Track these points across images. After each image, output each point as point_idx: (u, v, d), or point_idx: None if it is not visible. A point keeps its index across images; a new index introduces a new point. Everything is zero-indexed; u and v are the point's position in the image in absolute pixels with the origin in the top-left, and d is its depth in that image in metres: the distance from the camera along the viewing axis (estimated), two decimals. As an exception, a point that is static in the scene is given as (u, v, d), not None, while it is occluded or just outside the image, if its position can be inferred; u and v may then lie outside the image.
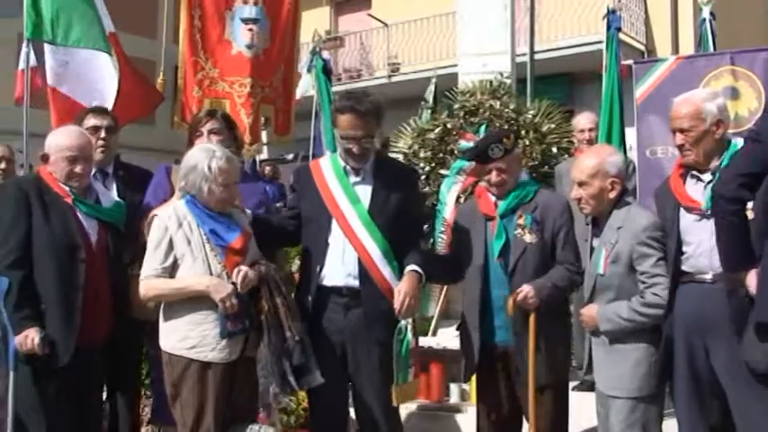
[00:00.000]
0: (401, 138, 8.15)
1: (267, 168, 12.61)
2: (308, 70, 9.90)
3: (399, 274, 4.08)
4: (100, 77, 6.20)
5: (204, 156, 3.93)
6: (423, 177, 7.74)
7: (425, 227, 7.07)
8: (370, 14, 21.06)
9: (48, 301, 3.97)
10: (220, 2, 6.48)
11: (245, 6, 6.43)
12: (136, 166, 5.13)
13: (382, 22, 20.45)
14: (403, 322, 3.96)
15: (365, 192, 4.16)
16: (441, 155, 7.59)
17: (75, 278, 4.00)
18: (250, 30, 6.38)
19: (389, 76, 19.69)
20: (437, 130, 7.73)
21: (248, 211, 4.24)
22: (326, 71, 9.66)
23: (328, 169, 4.23)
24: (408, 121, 8.59)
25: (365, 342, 4.05)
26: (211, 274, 3.84)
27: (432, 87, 10.54)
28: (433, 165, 7.55)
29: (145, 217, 4.12)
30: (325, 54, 10.01)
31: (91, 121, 4.78)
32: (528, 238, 4.28)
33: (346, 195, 4.14)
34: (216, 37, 6.46)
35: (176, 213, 3.95)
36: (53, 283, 3.98)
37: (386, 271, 4.07)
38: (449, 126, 7.68)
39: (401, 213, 4.15)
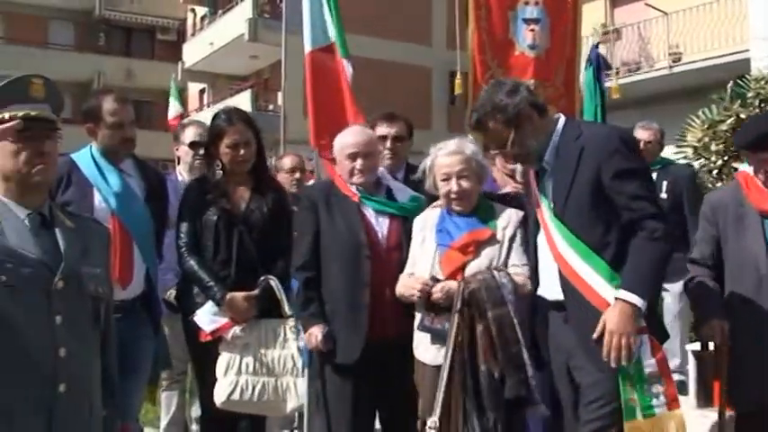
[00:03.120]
0: (690, 131, 7.80)
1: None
2: (585, 67, 9.59)
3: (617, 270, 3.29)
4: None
5: (433, 150, 3.94)
6: (715, 171, 7.37)
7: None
8: (647, 4, 20.29)
9: (336, 300, 4.08)
10: (504, 1, 6.49)
11: (527, 7, 6.40)
12: None
13: (661, 10, 19.64)
14: (636, 340, 3.21)
15: (550, 185, 3.51)
16: (734, 147, 7.18)
17: (360, 275, 4.05)
18: (532, 30, 6.34)
19: (670, 67, 18.88)
20: (729, 121, 7.35)
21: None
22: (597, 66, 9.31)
23: None
24: (696, 113, 8.20)
25: (582, 364, 3.40)
26: (432, 273, 3.82)
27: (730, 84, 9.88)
28: (726, 158, 7.17)
29: None
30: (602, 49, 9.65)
31: (379, 129, 4.91)
32: None
33: (543, 189, 3.54)
34: (500, 37, 6.47)
35: (427, 214, 4.00)
36: (340, 282, 4.07)
37: (591, 278, 3.31)
38: (742, 116, 7.27)
39: (595, 198, 3.30)
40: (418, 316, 3.84)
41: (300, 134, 11.32)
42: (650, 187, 3.37)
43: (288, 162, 6.19)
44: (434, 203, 4.04)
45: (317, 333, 4.01)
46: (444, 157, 3.86)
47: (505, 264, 3.79)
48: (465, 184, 3.83)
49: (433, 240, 3.89)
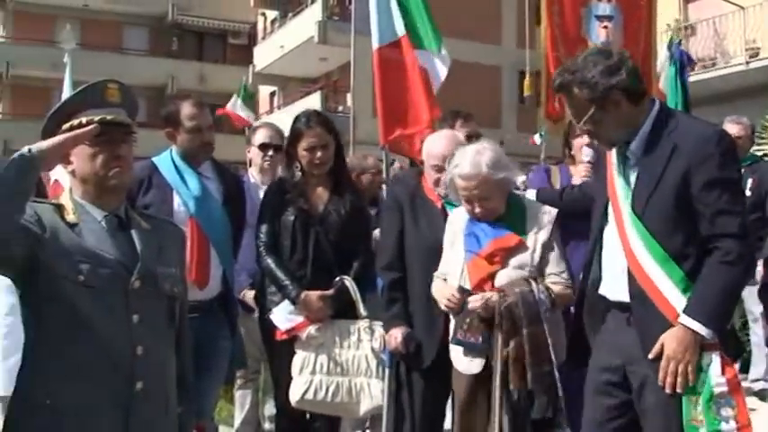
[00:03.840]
0: (769, 128, 7.59)
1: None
2: (669, 64, 9.28)
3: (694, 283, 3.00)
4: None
5: (451, 166, 3.74)
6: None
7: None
8: (723, -2, 19.88)
9: (415, 302, 4.09)
10: None
11: (600, 4, 6.31)
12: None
13: (738, 5, 19.18)
14: (705, 357, 2.94)
15: (633, 178, 3.20)
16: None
17: None
18: (605, 27, 6.25)
19: (747, 63, 18.42)
20: (812, 118, 7.12)
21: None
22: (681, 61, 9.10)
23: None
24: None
25: (644, 374, 3.10)
26: (462, 280, 3.69)
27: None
28: (809, 157, 6.94)
29: None
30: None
31: (462, 129, 4.82)
32: None
33: (623, 180, 3.22)
34: (573, 34, 6.38)
35: (459, 213, 3.86)
36: (420, 285, 4.06)
37: (665, 285, 3.03)
38: (824, 112, 7.04)
39: (681, 203, 3.01)
40: (451, 328, 3.75)
41: (370, 135, 11.33)
42: (740, 200, 3.07)
43: (372, 162, 6.19)
44: None
45: (396, 335, 4.02)
46: (460, 180, 3.69)
47: (541, 271, 3.65)
48: (487, 204, 3.69)
49: (461, 244, 3.77)
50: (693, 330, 2.93)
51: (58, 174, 5.66)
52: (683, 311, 2.96)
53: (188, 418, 2.82)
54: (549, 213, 3.76)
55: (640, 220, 3.08)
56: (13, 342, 4.46)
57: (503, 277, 3.61)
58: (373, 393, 4.17)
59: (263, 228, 4.41)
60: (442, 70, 6.12)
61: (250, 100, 16.75)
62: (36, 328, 2.52)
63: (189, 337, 2.86)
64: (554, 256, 3.68)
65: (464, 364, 3.71)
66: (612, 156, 3.27)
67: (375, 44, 6.16)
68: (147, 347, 2.53)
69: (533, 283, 3.54)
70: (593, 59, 3.13)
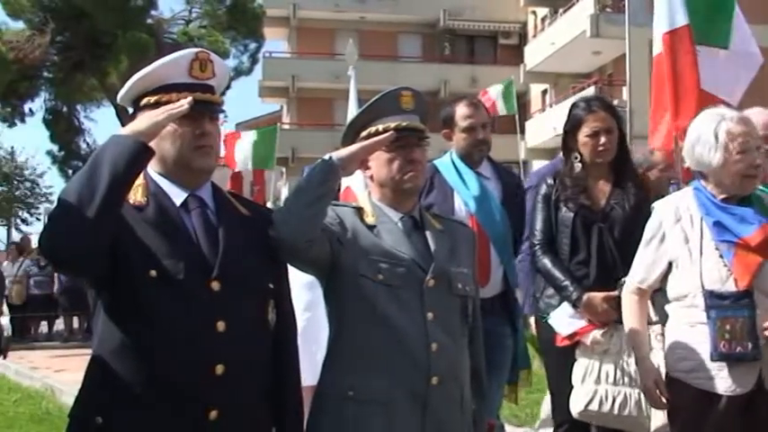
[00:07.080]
0: None
1: None
2: None
3: None
4: (734, 75, 5.91)
5: (709, 121, 3.25)
6: None
7: None
8: None
9: None
10: None
11: None
12: None
13: None
14: None
15: None
16: None
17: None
18: None
19: None
20: None
21: None
22: None
23: None
24: None
25: None
26: (703, 281, 3.16)
27: None
28: None
29: None
30: None
31: None
32: None
33: None
34: None
35: (677, 203, 3.35)
36: None
37: None
38: None
39: None
40: (707, 342, 3.18)
41: (648, 129, 10.94)
42: None
43: (660, 158, 6.00)
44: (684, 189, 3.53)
45: None
46: (738, 125, 3.20)
47: None
48: (763, 158, 3.24)
49: (699, 237, 3.23)
50: None
51: (350, 179, 5.97)
52: None
53: (481, 415, 2.87)
54: None
55: None
56: (308, 337, 4.79)
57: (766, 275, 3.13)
58: None
59: (539, 225, 4.17)
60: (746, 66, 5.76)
61: (510, 98, 16.26)
62: (338, 324, 2.69)
63: (482, 336, 2.91)
64: None
65: (726, 383, 3.15)
66: None
67: (661, 29, 5.94)
68: (441, 344, 2.61)
69: None
70: None
